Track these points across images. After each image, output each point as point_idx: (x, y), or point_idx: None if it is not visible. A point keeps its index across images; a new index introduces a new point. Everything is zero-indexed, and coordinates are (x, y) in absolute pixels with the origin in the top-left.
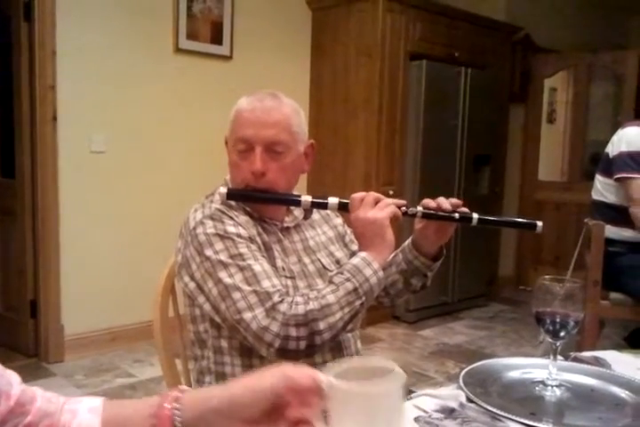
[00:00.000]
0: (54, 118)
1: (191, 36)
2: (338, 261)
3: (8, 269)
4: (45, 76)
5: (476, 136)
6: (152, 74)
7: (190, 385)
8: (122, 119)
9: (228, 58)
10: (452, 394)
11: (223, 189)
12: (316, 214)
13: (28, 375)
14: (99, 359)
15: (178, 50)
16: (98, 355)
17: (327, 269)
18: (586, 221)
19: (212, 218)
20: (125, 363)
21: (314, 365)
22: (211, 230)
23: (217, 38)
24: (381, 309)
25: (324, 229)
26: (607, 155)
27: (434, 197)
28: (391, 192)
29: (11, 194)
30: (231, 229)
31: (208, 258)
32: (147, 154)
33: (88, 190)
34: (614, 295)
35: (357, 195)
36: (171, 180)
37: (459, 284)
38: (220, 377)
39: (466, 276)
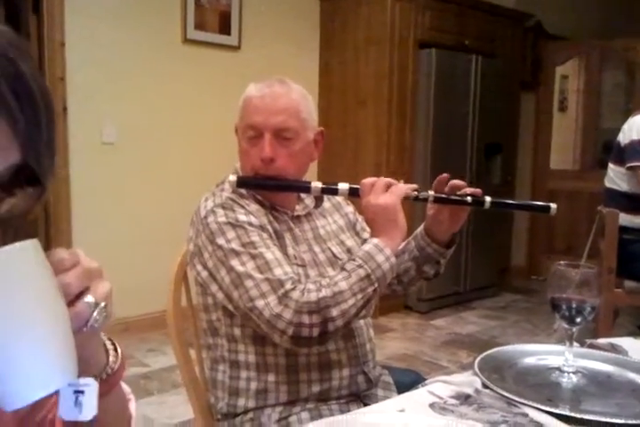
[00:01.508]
0: (64, 110)
1: (199, 26)
2: (349, 250)
3: None
4: (54, 68)
5: (487, 125)
6: (161, 65)
7: (204, 374)
8: (131, 110)
9: (237, 48)
10: (468, 380)
11: (233, 177)
12: (326, 203)
13: None
14: None
15: (186, 40)
16: None
17: (338, 257)
18: (599, 209)
19: (222, 207)
20: (139, 353)
21: (327, 353)
22: (222, 219)
23: (225, 29)
24: (393, 298)
25: (334, 217)
26: (618, 143)
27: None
28: (402, 181)
29: None
30: (242, 217)
31: (220, 247)
32: (157, 144)
33: (99, 181)
34: (629, 283)
35: (368, 180)
36: (181, 169)
37: (471, 273)
38: (234, 365)
39: (478, 265)
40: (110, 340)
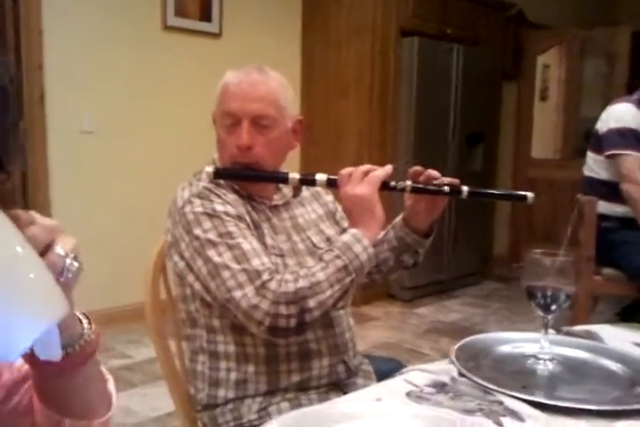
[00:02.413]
0: (42, 98)
1: (180, 13)
2: (328, 239)
3: None
4: (32, 56)
5: (468, 114)
6: (140, 52)
7: (184, 365)
8: (111, 99)
9: (218, 35)
10: (444, 369)
11: (209, 169)
12: (305, 192)
13: None
14: None
15: (166, 27)
16: None
17: (317, 247)
18: (578, 197)
19: (199, 196)
20: (121, 344)
21: (307, 342)
22: (199, 209)
23: (206, 15)
24: (377, 287)
25: (314, 206)
26: (597, 131)
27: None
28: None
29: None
30: (219, 207)
31: (197, 237)
32: (137, 133)
33: (78, 170)
34: (607, 271)
35: (345, 170)
36: (162, 158)
37: (453, 262)
38: (214, 356)
39: (461, 254)
40: (84, 313)
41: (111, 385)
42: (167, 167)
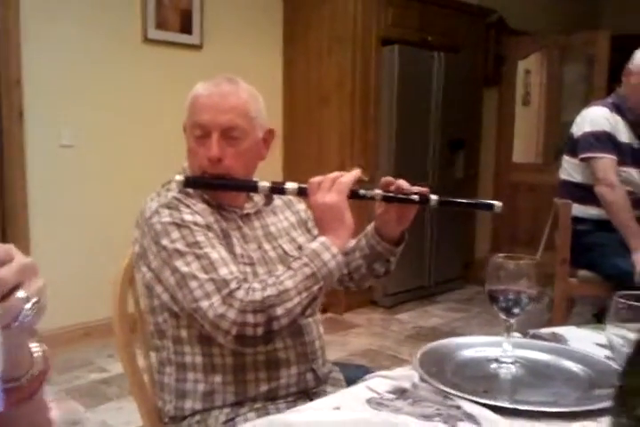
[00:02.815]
0: (20, 113)
1: (160, 25)
2: (300, 247)
3: None
4: (10, 71)
5: (450, 120)
6: (121, 65)
7: (153, 378)
8: (90, 112)
9: (199, 47)
10: (406, 375)
11: (179, 177)
12: (278, 200)
13: None
14: (72, 355)
15: (146, 40)
16: (71, 350)
17: (289, 255)
18: (555, 200)
19: (167, 207)
20: (99, 358)
21: (275, 351)
22: (167, 219)
23: (186, 27)
24: (359, 294)
25: (286, 214)
26: (572, 135)
27: (409, 181)
28: (366, 179)
29: None
30: (188, 217)
31: (164, 247)
32: (116, 146)
33: (57, 185)
34: (582, 273)
35: (315, 179)
36: (142, 172)
37: (435, 267)
38: (181, 367)
39: (442, 259)
40: (40, 346)
41: (54, 414)
42: (148, 180)
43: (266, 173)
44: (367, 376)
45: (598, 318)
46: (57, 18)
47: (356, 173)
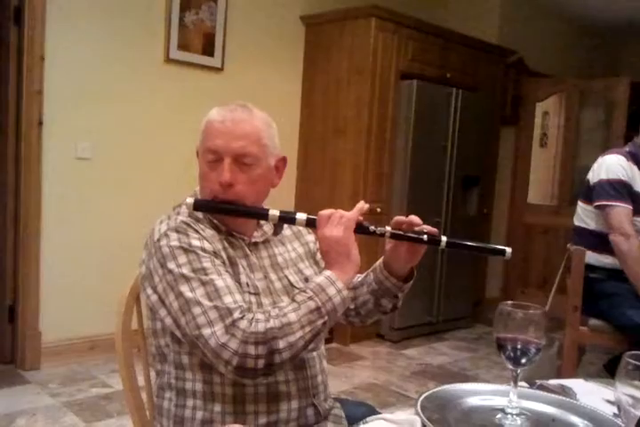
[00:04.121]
0: (40, 123)
1: (182, 46)
2: (307, 279)
3: None
4: (33, 81)
5: (465, 157)
6: (141, 83)
7: (152, 400)
8: (109, 127)
9: (219, 70)
10: (408, 419)
11: (190, 200)
12: (287, 230)
13: (3, 382)
14: (76, 368)
15: (168, 60)
16: (75, 363)
17: (295, 286)
18: (568, 246)
19: (176, 230)
20: (102, 373)
21: (276, 384)
22: (174, 243)
23: (208, 50)
24: (366, 327)
25: (294, 245)
26: (588, 182)
27: (421, 216)
28: (379, 210)
29: None
30: (196, 242)
31: (170, 271)
32: (134, 163)
33: (72, 196)
34: (593, 322)
35: (325, 212)
36: (157, 189)
37: (444, 304)
38: (181, 393)
39: (452, 296)
40: None
41: None
42: (163, 198)
43: (279, 200)
44: (368, 418)
45: (609, 368)
46: (82, 31)
47: (361, 206)
